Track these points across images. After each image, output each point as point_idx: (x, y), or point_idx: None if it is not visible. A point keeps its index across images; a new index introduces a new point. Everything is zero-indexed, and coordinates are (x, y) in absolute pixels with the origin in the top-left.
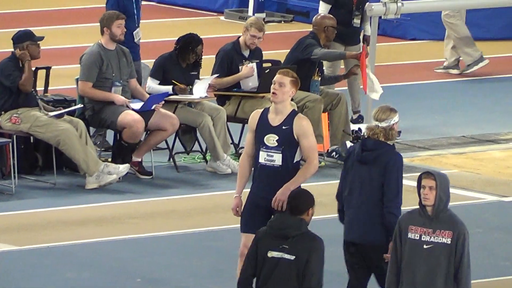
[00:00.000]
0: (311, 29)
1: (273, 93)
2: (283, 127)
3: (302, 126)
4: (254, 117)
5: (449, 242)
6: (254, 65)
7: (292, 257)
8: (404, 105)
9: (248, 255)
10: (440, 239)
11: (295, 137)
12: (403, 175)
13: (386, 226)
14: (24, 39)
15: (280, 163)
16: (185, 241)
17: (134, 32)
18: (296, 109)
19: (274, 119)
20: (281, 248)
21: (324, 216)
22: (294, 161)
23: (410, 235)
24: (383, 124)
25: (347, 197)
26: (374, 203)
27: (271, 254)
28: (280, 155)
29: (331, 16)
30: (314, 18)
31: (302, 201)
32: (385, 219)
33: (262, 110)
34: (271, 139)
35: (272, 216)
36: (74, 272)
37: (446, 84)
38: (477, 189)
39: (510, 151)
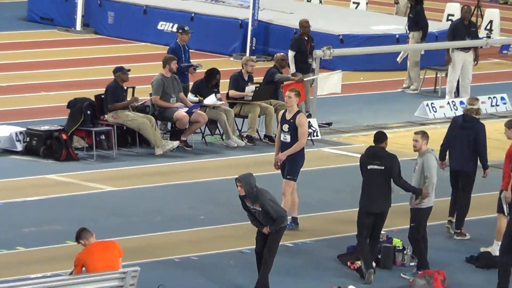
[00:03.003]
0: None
1: (286, 102)
2: (291, 120)
3: (301, 120)
4: (280, 114)
5: (260, 209)
6: (253, 87)
7: (382, 167)
8: (335, 108)
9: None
10: (257, 208)
11: (297, 126)
12: (333, 147)
13: (481, 163)
14: (117, 70)
15: (289, 140)
16: (208, 186)
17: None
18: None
19: (288, 116)
20: (375, 163)
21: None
22: (297, 139)
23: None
24: (475, 106)
25: (452, 148)
26: (469, 152)
27: (370, 167)
28: (289, 136)
29: (282, 54)
30: None
31: (382, 137)
32: (481, 161)
33: (284, 110)
34: (286, 127)
35: None
36: (150, 204)
37: (357, 97)
38: None
39: (395, 133)
